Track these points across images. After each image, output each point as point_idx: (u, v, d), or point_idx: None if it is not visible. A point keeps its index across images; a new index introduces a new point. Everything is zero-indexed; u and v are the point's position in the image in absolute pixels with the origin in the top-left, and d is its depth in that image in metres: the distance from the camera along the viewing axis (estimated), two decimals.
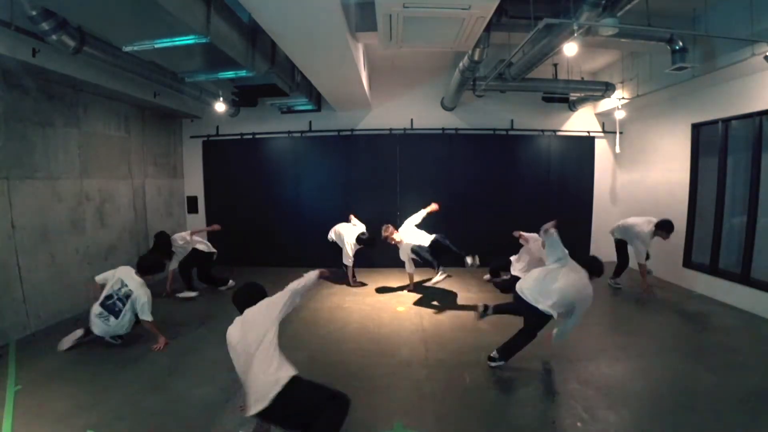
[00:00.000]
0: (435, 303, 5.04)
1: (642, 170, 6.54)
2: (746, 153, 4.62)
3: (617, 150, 6.67)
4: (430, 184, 6.99)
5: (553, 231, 3.31)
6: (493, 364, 3.26)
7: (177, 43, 3.19)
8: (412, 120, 6.98)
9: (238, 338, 2.22)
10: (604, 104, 6.67)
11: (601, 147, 7.17)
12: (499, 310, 3.62)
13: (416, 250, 5.15)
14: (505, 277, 5.12)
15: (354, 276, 5.93)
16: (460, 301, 5.12)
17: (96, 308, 3.67)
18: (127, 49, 3.34)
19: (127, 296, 3.69)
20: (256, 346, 2.14)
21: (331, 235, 5.97)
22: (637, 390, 2.94)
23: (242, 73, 4.10)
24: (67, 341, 3.68)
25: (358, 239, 5.59)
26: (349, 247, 5.63)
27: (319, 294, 5.47)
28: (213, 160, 7.25)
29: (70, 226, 4.68)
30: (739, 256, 4.67)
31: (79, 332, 3.73)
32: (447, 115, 7.03)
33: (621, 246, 5.58)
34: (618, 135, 6.62)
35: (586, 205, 7.17)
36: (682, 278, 5.56)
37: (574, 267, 3.19)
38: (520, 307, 3.26)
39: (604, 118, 7.04)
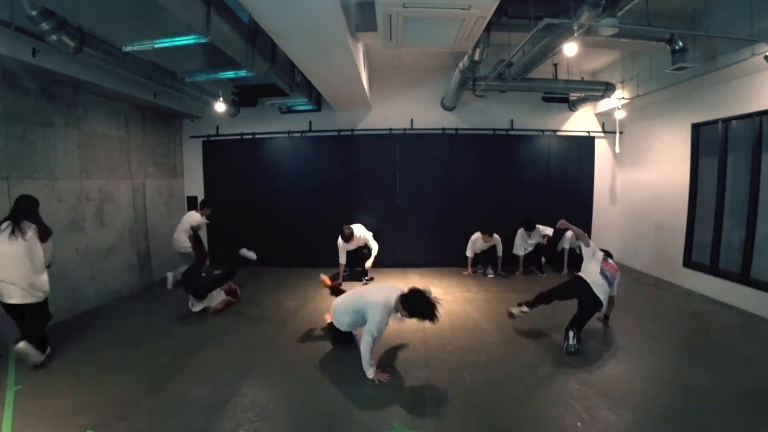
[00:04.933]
0: None
1: (642, 170, 6.55)
2: (746, 153, 4.62)
3: (617, 150, 6.68)
4: (430, 184, 7.00)
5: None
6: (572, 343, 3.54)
7: (177, 43, 3.19)
8: (412, 120, 6.98)
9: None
10: (604, 104, 6.67)
11: (601, 147, 7.17)
12: (542, 299, 3.95)
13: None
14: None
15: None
16: (459, 301, 5.12)
17: None
18: (127, 49, 3.34)
19: None
20: None
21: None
22: (637, 390, 2.94)
23: (242, 73, 4.10)
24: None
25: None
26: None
27: (318, 294, 5.46)
28: (213, 160, 7.25)
29: (69, 225, 4.68)
30: (739, 255, 4.68)
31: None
32: (447, 115, 7.03)
33: None
34: (618, 135, 6.63)
35: (586, 205, 7.17)
36: (682, 278, 5.56)
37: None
38: (579, 290, 3.73)
39: (604, 118, 7.04)
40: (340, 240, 5.86)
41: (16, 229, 3.18)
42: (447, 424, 2.57)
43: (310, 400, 2.85)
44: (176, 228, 5.71)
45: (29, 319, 3.28)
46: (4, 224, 3.20)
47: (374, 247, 6.07)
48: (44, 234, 3.36)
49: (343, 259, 5.94)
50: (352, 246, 5.98)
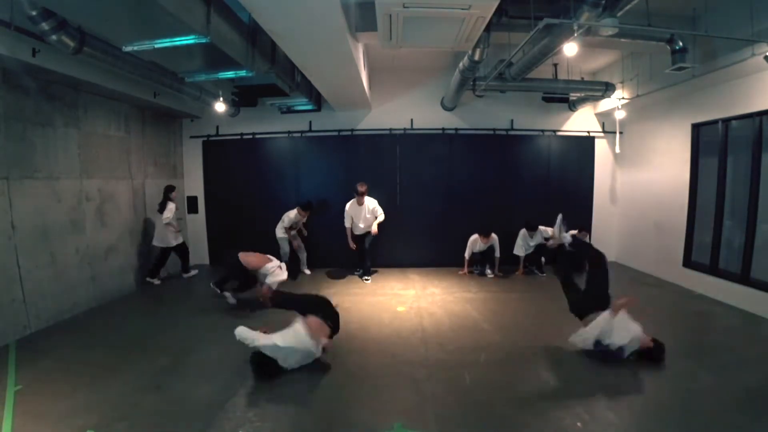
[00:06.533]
0: (435, 303, 5.04)
1: (642, 170, 6.54)
2: (746, 153, 4.62)
3: (617, 150, 6.68)
4: (430, 184, 7.00)
5: None
6: None
7: (177, 43, 3.18)
8: (412, 120, 6.98)
9: None
10: (604, 104, 6.67)
11: (601, 147, 7.17)
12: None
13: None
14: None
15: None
16: (459, 301, 5.12)
17: None
18: (127, 49, 3.33)
19: None
20: None
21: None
22: (637, 390, 2.94)
23: (242, 73, 4.09)
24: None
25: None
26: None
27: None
28: (213, 160, 7.25)
29: (70, 226, 4.68)
30: (739, 255, 4.68)
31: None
32: (447, 115, 7.03)
33: None
34: (618, 135, 6.62)
35: (586, 205, 7.17)
36: (682, 278, 5.56)
37: None
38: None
39: (604, 118, 7.04)
40: (349, 204, 6.03)
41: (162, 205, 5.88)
42: (447, 424, 2.57)
43: (310, 400, 2.85)
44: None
45: (184, 251, 6.29)
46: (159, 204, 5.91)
47: (380, 216, 6.16)
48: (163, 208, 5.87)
49: (348, 223, 6.06)
50: (360, 214, 6.04)
